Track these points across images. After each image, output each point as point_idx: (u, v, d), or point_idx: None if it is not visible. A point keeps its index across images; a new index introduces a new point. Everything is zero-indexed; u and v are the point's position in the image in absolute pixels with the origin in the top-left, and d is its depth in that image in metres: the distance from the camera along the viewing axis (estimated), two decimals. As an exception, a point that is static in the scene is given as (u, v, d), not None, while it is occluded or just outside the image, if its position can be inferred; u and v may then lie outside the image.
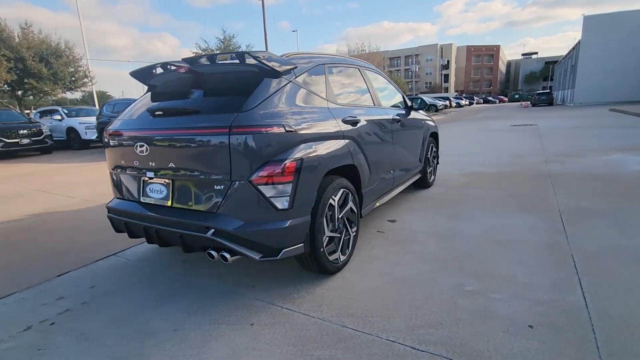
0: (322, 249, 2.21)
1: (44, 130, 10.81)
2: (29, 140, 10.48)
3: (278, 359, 1.66)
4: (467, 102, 47.22)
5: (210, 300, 2.20)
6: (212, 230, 1.92)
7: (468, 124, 15.26)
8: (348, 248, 2.55)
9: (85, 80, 18.56)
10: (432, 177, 4.74)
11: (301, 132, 2.08)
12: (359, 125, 2.68)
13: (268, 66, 2.09)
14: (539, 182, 4.67)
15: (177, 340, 1.84)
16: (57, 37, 18.17)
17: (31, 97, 17.43)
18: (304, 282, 2.34)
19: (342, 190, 2.41)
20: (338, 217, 2.39)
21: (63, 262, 2.86)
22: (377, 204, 3.13)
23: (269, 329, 1.89)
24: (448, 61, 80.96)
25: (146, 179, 2.21)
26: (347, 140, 2.48)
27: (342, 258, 2.47)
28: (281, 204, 1.95)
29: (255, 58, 2.05)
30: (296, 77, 2.29)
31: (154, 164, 2.11)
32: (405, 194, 4.39)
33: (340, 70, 2.90)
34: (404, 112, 3.75)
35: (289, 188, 1.96)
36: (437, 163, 5.02)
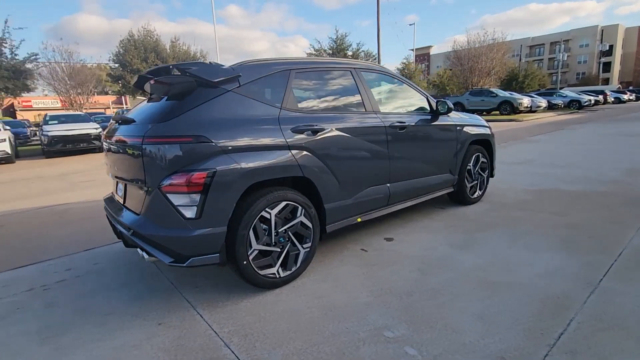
0: (245, 262, 2.16)
1: None
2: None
3: (144, 362, 1.73)
4: (631, 97, 37.46)
5: (154, 293, 2.40)
6: (132, 231, 2.10)
7: (602, 127, 12.21)
8: (296, 264, 2.42)
9: None
10: (477, 192, 4.02)
11: (223, 142, 2.07)
12: (322, 134, 2.49)
13: (200, 77, 2.14)
14: (627, 211, 3.49)
15: (100, 323, 2.08)
16: (196, 48, 21.83)
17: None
18: (241, 292, 2.33)
19: (284, 202, 2.30)
20: (278, 231, 2.29)
21: (83, 243, 3.50)
22: (359, 220, 2.86)
23: (168, 331, 1.97)
24: (611, 46, 65.58)
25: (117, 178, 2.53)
26: (295, 151, 2.34)
27: (284, 274, 2.36)
28: (189, 213, 1.99)
29: (183, 70, 2.12)
30: (240, 86, 2.27)
31: (114, 166, 2.42)
32: (432, 209, 3.86)
33: (317, 75, 2.74)
34: (417, 117, 3.30)
35: (197, 198, 1.98)
36: (490, 175, 4.23)
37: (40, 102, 43.38)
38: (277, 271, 2.33)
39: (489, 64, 26.72)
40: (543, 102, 21.98)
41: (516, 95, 21.35)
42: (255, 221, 2.18)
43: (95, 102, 30.23)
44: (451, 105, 3.41)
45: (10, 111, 42.51)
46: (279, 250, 2.32)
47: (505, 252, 2.71)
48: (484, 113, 20.81)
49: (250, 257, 2.19)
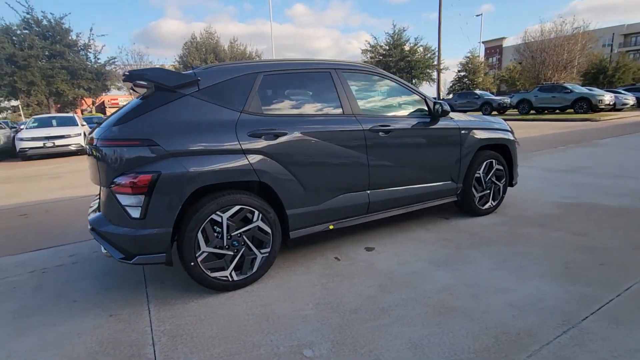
0: (192, 263, 2.21)
1: None
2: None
3: (63, 352, 1.86)
4: None
5: (123, 285, 2.57)
6: (90, 227, 2.26)
7: None
8: (252, 269, 2.41)
9: None
10: (489, 203, 3.63)
11: (171, 146, 2.12)
12: (283, 138, 2.43)
13: (157, 82, 2.21)
14: (673, 235, 2.89)
15: (65, 309, 2.28)
16: (252, 48, 22.81)
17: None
18: (196, 292, 2.39)
19: (238, 207, 2.30)
20: (232, 235, 2.30)
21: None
22: (331, 227, 2.75)
23: (115, 323, 2.10)
24: None
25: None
26: (251, 155, 2.32)
27: (238, 278, 2.37)
28: (135, 213, 2.08)
29: (139, 75, 2.21)
30: (198, 90, 2.31)
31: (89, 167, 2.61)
32: (434, 218, 3.57)
33: (290, 78, 2.68)
34: (408, 120, 3.07)
35: (141, 199, 2.06)
36: (509, 184, 3.80)
37: (126, 100, 48.79)
38: (230, 274, 2.34)
39: (566, 56, 23.87)
40: (631, 99, 19.10)
41: (596, 91, 18.77)
42: (205, 224, 2.21)
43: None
44: (447, 107, 3.11)
45: (101, 108, 48.37)
46: (232, 254, 2.33)
47: (486, 274, 2.42)
48: (557, 111, 18.71)
49: (199, 259, 2.23)
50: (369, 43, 27.78)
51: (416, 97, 3.22)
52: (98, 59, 18.31)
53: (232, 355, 1.76)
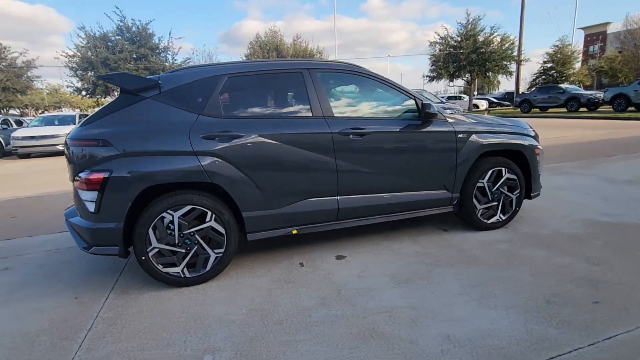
0: (143, 257, 2.34)
1: None
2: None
3: (22, 326, 2.10)
4: None
5: (106, 271, 2.82)
6: (65, 218, 2.52)
7: None
8: (205, 268, 2.48)
9: None
10: (497, 216, 3.20)
11: (125, 147, 2.26)
12: (239, 141, 2.43)
13: (120, 86, 2.37)
14: None
15: (46, 287, 2.59)
16: (313, 45, 23.04)
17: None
18: (156, 285, 2.52)
19: (190, 206, 2.37)
20: (183, 233, 2.39)
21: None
22: (295, 232, 2.69)
23: (75, 306, 2.32)
24: None
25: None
26: (203, 157, 2.36)
27: (191, 275, 2.45)
28: (91, 207, 2.27)
29: (107, 79, 2.39)
30: (159, 94, 2.42)
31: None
32: (429, 228, 3.27)
33: (257, 79, 2.65)
34: (390, 123, 2.84)
35: (95, 195, 2.24)
36: (527, 197, 3.31)
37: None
38: (182, 271, 2.43)
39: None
40: None
41: None
42: (156, 221, 2.32)
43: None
44: (433, 110, 2.79)
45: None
46: (184, 251, 2.42)
47: (445, 299, 2.15)
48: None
49: (150, 254, 2.35)
50: (438, 35, 26.17)
51: (404, 97, 2.96)
52: (175, 59, 20.27)
53: (143, 350, 1.83)
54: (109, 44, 18.43)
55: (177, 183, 2.37)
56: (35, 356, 1.83)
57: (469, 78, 25.96)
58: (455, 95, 32.84)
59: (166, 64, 19.88)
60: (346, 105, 2.92)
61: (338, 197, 2.73)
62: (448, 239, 3.07)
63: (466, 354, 1.66)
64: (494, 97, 34.05)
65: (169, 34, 19.80)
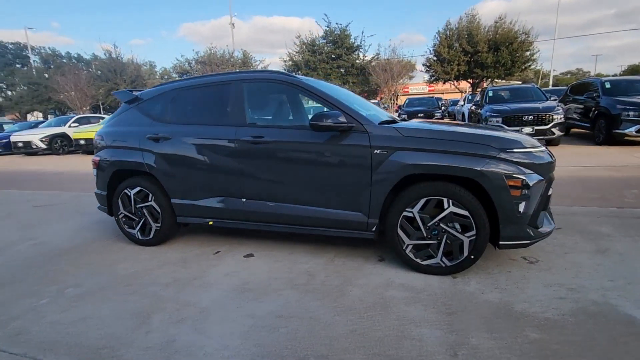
0: (116, 218, 3.39)
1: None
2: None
3: None
4: None
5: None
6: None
7: None
8: (149, 235, 3.29)
9: (529, 63, 18.77)
10: (438, 259, 2.46)
11: (109, 142, 3.34)
12: (164, 142, 3.07)
13: (121, 99, 3.44)
14: None
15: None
16: (521, 26, 19.03)
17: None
18: (122, 238, 3.56)
19: (139, 188, 3.23)
20: (136, 206, 3.29)
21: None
22: (210, 223, 3.10)
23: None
24: None
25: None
26: (145, 153, 3.13)
27: (142, 237, 3.33)
28: (95, 179, 3.48)
29: (115, 94, 3.49)
30: (139, 104, 3.35)
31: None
32: (361, 252, 2.87)
33: (198, 92, 3.16)
34: (292, 132, 2.77)
35: (96, 171, 3.43)
36: (485, 241, 2.38)
37: (416, 89, 53.89)
38: (137, 233, 3.34)
39: None
40: None
41: None
42: (121, 195, 3.32)
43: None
44: (326, 122, 2.45)
45: (395, 95, 55.86)
46: (137, 219, 3.31)
47: (236, 326, 2.12)
48: None
49: (121, 217, 3.37)
50: None
51: (328, 108, 2.72)
52: (365, 56, 21.86)
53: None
54: (314, 47, 21.92)
55: (132, 170, 3.27)
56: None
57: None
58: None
59: (357, 61, 21.78)
60: (264, 113, 3.00)
61: (243, 200, 2.94)
62: (359, 269, 2.66)
63: (151, 359, 1.77)
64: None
65: (362, 33, 21.52)
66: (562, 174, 5.64)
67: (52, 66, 30.61)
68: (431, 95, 19.16)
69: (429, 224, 2.46)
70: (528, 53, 18.78)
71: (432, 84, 22.57)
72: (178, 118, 3.22)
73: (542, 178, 2.36)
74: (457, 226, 2.41)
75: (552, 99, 9.62)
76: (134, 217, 3.32)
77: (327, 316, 2.09)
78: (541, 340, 1.79)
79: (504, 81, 20.27)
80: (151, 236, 3.30)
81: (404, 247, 2.55)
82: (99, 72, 25.08)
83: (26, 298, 2.47)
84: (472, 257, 2.42)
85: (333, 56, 21.82)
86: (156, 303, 2.33)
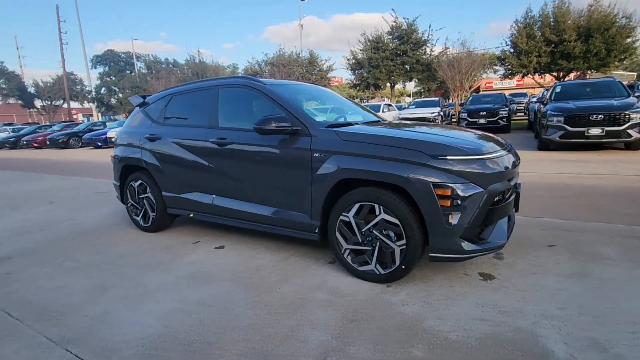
0: (126, 206, 3.94)
1: None
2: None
3: (89, 226, 4.23)
4: None
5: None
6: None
7: None
8: (147, 222, 3.77)
9: (628, 52, 15.69)
10: (372, 266, 2.41)
11: (120, 140, 3.89)
12: (156, 141, 3.49)
13: (133, 103, 3.98)
14: None
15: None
16: (621, 8, 15.92)
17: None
18: (129, 224, 4.10)
19: (140, 181, 3.72)
20: (139, 197, 3.79)
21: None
22: (191, 215, 3.43)
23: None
24: None
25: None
26: (143, 150, 3.59)
27: (144, 224, 3.83)
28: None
29: (129, 100, 4.03)
30: (145, 108, 3.84)
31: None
32: (316, 252, 2.91)
33: (189, 96, 3.50)
34: (249, 135, 2.91)
35: (114, 166, 4.02)
36: (418, 252, 2.26)
37: (500, 84, 49.36)
38: (140, 220, 3.85)
39: None
40: None
41: None
42: (129, 186, 3.85)
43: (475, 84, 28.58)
44: (269, 126, 2.56)
45: (476, 91, 51.81)
46: (140, 209, 3.81)
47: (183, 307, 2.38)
48: None
49: (129, 205, 3.92)
50: None
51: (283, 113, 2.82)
52: (432, 51, 20.73)
53: None
54: (378, 44, 21.51)
55: (134, 165, 3.76)
56: (65, 236, 3.86)
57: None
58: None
59: (424, 57, 20.81)
60: (233, 117, 3.19)
61: (213, 196, 3.20)
62: (309, 270, 2.73)
63: None
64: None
65: (429, 27, 20.43)
66: (608, 182, 4.84)
67: (153, 71, 35.13)
68: (500, 92, 17.34)
69: (363, 230, 2.42)
70: (629, 40, 15.87)
71: (505, 79, 20.38)
72: (168, 120, 3.62)
73: (481, 189, 2.16)
74: (392, 234, 2.34)
75: (636, 94, 8.14)
76: (138, 206, 3.83)
77: (240, 309, 2.23)
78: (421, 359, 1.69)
79: (599, 73, 17.48)
80: (149, 224, 3.77)
81: (342, 251, 2.55)
82: (185, 75, 28.02)
83: (35, 266, 3.07)
84: (404, 267, 2.32)
85: (398, 52, 21.17)
86: (119, 281, 2.71)
